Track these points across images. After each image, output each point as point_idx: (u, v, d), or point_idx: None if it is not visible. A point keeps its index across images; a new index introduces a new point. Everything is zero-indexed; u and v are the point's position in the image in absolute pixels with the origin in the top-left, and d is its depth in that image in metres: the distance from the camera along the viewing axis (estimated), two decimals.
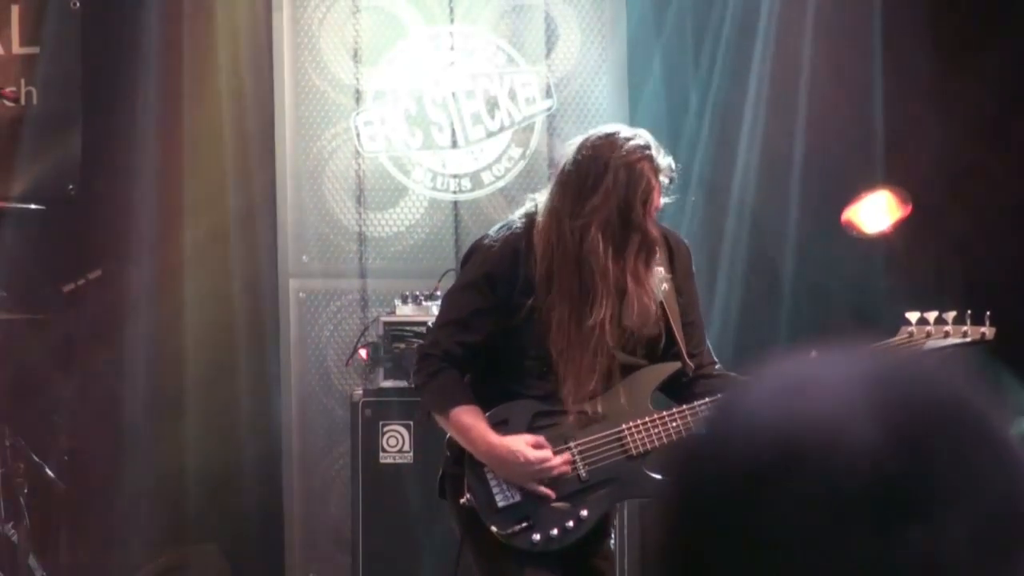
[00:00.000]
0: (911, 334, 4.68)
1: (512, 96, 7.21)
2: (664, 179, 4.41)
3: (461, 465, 4.57)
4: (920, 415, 1.24)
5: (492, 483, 4.51)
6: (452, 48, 7.23)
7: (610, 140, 4.42)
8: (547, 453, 4.49)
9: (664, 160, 4.42)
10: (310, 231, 7.25)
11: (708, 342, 4.74)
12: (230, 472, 7.28)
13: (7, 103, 6.90)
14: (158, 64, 7.34)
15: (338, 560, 6.87)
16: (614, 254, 4.39)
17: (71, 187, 7.35)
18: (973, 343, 4.72)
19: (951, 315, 4.75)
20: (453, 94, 7.21)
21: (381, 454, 6.46)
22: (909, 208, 6.59)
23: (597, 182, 4.37)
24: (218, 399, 7.33)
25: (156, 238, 7.34)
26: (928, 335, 4.70)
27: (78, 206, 7.34)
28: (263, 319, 7.33)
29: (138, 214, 7.34)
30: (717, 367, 4.69)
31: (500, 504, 4.50)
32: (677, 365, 4.59)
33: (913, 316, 4.69)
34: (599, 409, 4.51)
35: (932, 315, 4.74)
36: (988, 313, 4.83)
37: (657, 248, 4.47)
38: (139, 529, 7.24)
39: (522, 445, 4.47)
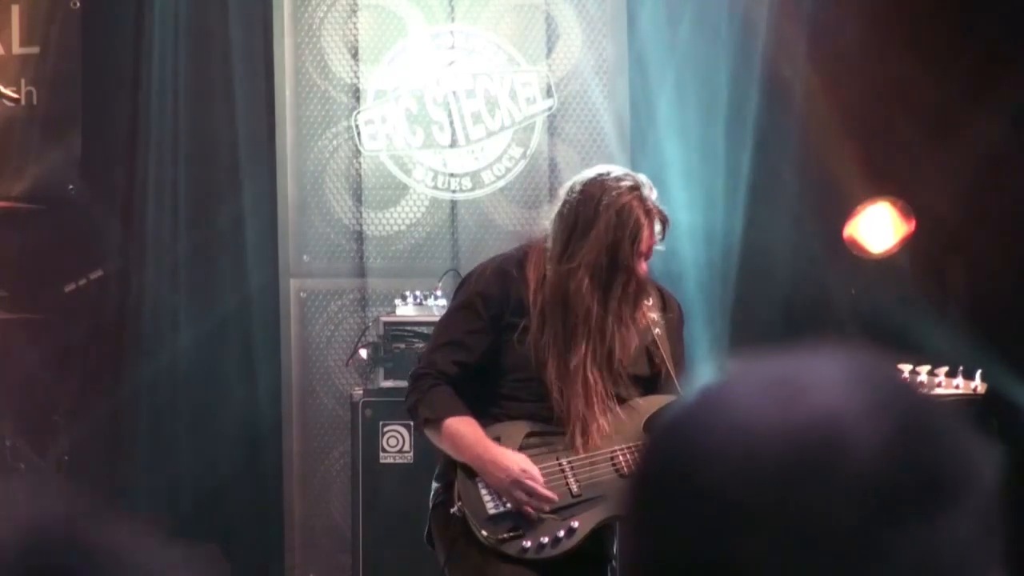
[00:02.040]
0: None
1: (513, 95, 7.21)
2: (656, 221, 4.43)
3: (445, 506, 4.56)
4: (916, 415, 1.24)
5: (483, 491, 4.51)
6: (453, 47, 7.23)
7: (600, 181, 4.43)
8: (536, 473, 4.49)
9: (655, 200, 4.45)
10: (310, 230, 7.24)
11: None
12: (230, 472, 7.26)
13: (7, 103, 6.88)
14: (158, 64, 7.33)
15: (338, 560, 6.87)
16: (600, 296, 4.42)
17: (71, 187, 7.34)
18: (964, 397, 4.74)
19: (943, 369, 4.76)
20: (454, 93, 7.21)
21: (381, 454, 6.45)
22: (913, 223, 6.57)
23: (587, 226, 4.39)
24: (218, 398, 7.32)
25: (156, 237, 7.34)
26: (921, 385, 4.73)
27: (78, 206, 7.33)
28: (263, 318, 7.31)
29: (138, 213, 7.34)
30: None
31: (491, 511, 4.50)
32: (671, 398, 4.56)
33: (905, 368, 4.66)
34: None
35: (924, 368, 4.74)
36: (980, 371, 4.83)
37: (645, 291, 4.50)
38: (140, 528, 7.17)
39: (513, 460, 4.48)
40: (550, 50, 7.23)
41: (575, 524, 4.50)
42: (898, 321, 6.46)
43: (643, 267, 4.47)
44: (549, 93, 7.23)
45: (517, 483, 4.45)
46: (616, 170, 4.53)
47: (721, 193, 7.13)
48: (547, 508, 4.47)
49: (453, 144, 7.22)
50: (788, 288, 6.91)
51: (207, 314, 7.35)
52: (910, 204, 6.69)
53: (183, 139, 7.36)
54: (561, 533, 4.50)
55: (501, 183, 7.27)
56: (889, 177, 6.86)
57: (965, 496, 1.22)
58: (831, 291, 6.93)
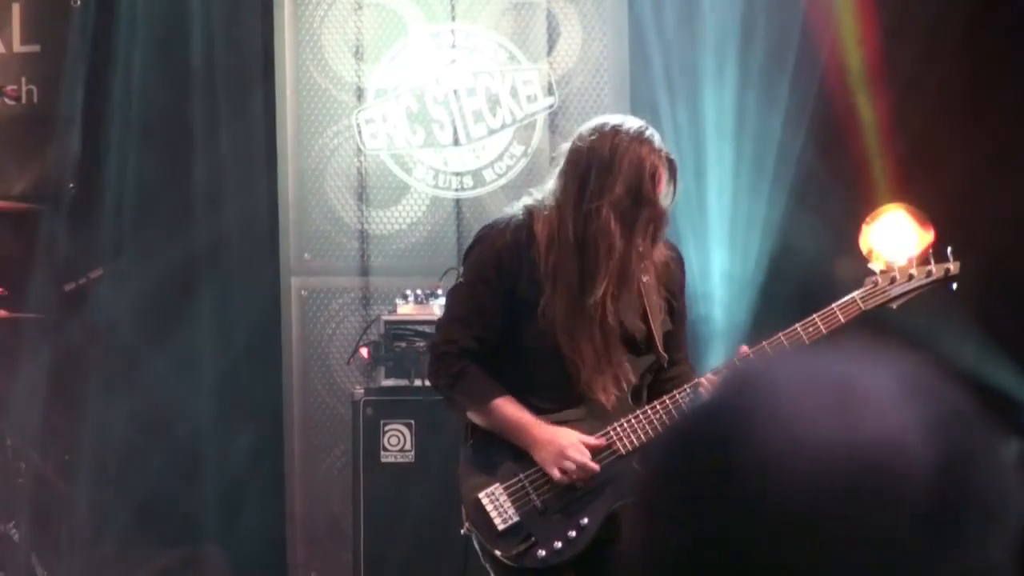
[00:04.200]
0: (875, 283, 4.65)
1: (514, 93, 7.18)
2: (665, 160, 4.44)
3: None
4: (962, 432, 1.23)
5: (488, 507, 4.50)
6: (454, 46, 7.20)
7: (610, 128, 4.43)
8: (586, 456, 4.49)
9: (659, 142, 4.47)
10: (312, 229, 7.23)
11: (686, 350, 4.75)
12: (231, 471, 7.26)
13: (8, 101, 6.87)
14: (159, 62, 7.34)
15: (340, 559, 6.86)
16: (623, 231, 4.39)
17: (71, 186, 7.32)
18: (938, 281, 4.71)
19: (913, 258, 4.74)
20: (455, 91, 7.18)
21: (382, 453, 6.44)
22: (933, 233, 6.47)
23: (604, 168, 4.38)
24: (218, 397, 7.31)
25: (157, 237, 7.32)
26: (893, 281, 4.67)
27: (78, 205, 7.32)
28: (264, 317, 7.30)
29: (139, 213, 7.34)
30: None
31: (500, 527, 4.49)
32: (652, 359, 4.57)
33: (876, 266, 4.67)
34: (586, 412, 4.51)
35: (895, 262, 4.71)
36: (950, 248, 4.78)
37: (666, 225, 4.49)
38: (141, 528, 7.22)
39: (570, 439, 4.47)
40: (551, 48, 7.19)
41: (584, 520, 4.50)
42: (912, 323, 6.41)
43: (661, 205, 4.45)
44: (550, 91, 7.19)
45: (563, 455, 4.45)
46: (615, 118, 4.53)
47: (730, 188, 7.11)
48: (584, 482, 4.47)
49: (454, 143, 7.20)
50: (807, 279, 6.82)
51: (208, 313, 7.35)
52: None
53: (183, 137, 7.36)
54: (573, 534, 4.49)
55: (502, 181, 7.23)
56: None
57: (1005, 519, 1.22)
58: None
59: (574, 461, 4.44)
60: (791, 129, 7.02)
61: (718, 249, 7.00)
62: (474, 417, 4.53)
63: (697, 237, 6.97)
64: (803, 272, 6.70)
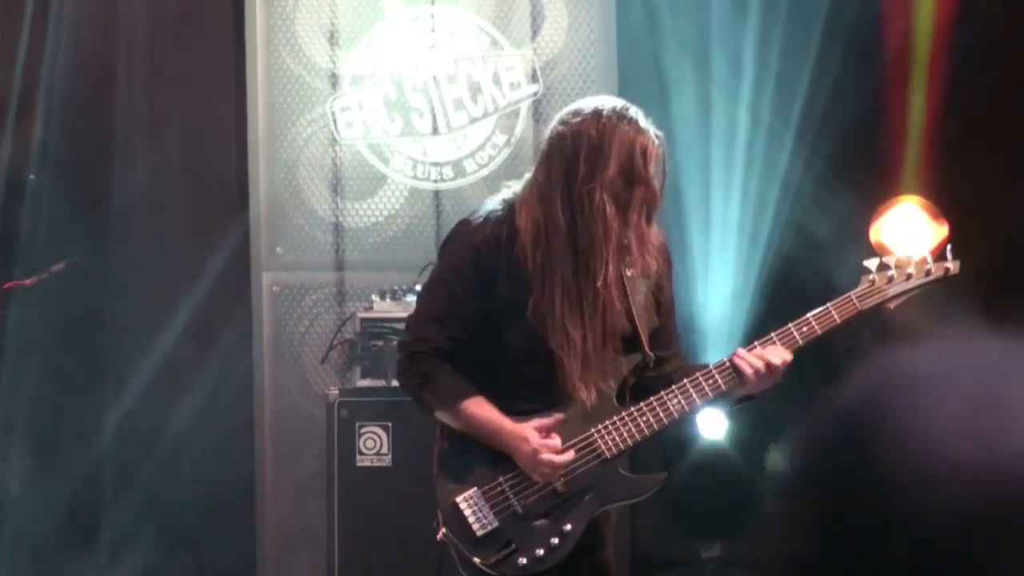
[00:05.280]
0: (872, 282, 4.59)
1: (496, 80, 7.13)
2: (653, 137, 4.41)
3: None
4: None
5: (466, 512, 4.47)
6: (433, 30, 7.15)
7: (593, 109, 4.40)
8: (556, 443, 4.45)
9: (644, 118, 4.44)
10: (284, 222, 7.18)
11: (679, 344, 4.74)
12: (200, 475, 7.23)
13: None
14: (124, 48, 7.29)
15: (313, 567, 6.81)
16: (618, 213, 4.35)
17: (31, 176, 7.27)
18: (938, 280, 4.65)
19: (911, 256, 4.69)
20: (434, 78, 7.13)
21: (358, 457, 6.42)
22: (947, 228, 6.40)
23: (593, 150, 4.33)
24: (187, 398, 7.27)
25: (121, 229, 7.30)
26: (890, 280, 4.61)
27: (41, 196, 7.28)
28: (235, 314, 7.26)
29: (104, 204, 7.29)
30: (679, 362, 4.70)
31: (479, 533, 4.45)
32: (638, 357, 4.52)
33: (872, 263, 4.60)
34: (569, 414, 4.46)
35: (892, 258, 4.64)
36: (949, 247, 4.75)
37: (658, 203, 4.45)
38: (108, 534, 7.23)
39: (531, 432, 4.43)
40: (535, 33, 7.14)
41: (568, 527, 4.46)
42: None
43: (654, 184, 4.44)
44: (534, 78, 7.15)
45: (535, 452, 4.42)
46: (595, 100, 4.49)
47: (740, 184, 7.11)
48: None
49: (434, 132, 7.15)
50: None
51: (175, 309, 7.31)
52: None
53: (150, 126, 7.33)
54: (555, 540, 4.45)
55: (484, 172, 7.17)
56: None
57: None
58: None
59: (546, 463, 4.42)
60: (806, 121, 7.06)
61: (718, 254, 7.03)
62: (445, 419, 4.49)
63: (698, 242, 7.04)
64: (810, 270, 6.66)
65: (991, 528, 1.13)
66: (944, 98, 6.94)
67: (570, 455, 4.42)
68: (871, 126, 7.01)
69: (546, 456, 4.39)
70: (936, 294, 4.72)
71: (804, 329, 4.47)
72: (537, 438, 4.40)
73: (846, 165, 7.00)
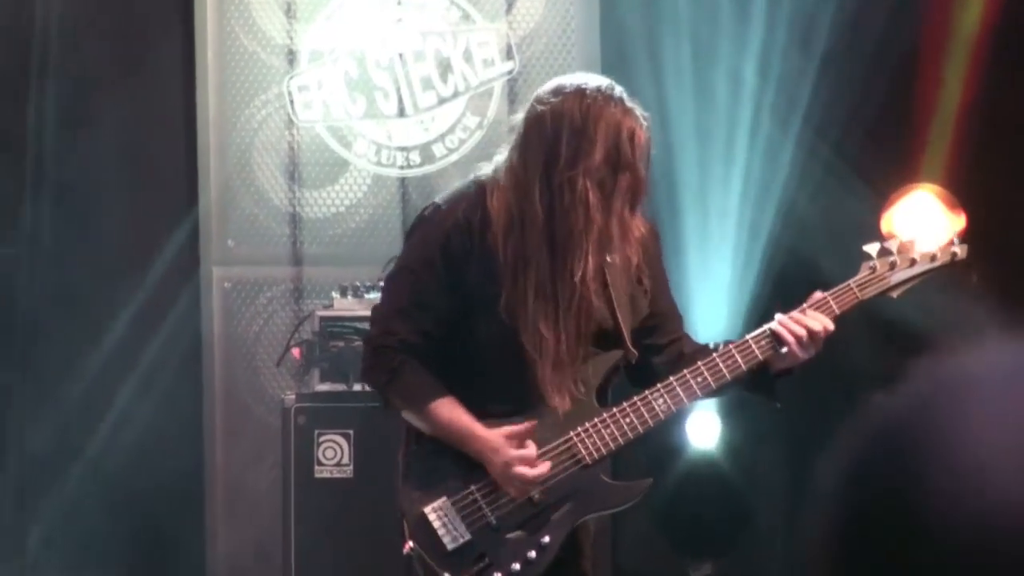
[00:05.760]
0: (873, 269, 4.52)
1: (468, 57, 7.05)
2: (640, 119, 4.34)
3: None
4: None
5: (436, 524, 4.37)
6: (399, 3, 7.07)
7: (575, 88, 4.32)
8: (530, 453, 4.35)
9: (630, 98, 4.38)
10: (236, 212, 7.08)
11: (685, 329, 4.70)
12: (144, 487, 7.06)
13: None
14: (61, 26, 7.12)
15: None
16: (602, 202, 4.27)
17: None
18: (945, 267, 4.60)
19: (914, 240, 4.63)
20: (400, 55, 7.04)
21: (316, 467, 6.35)
22: (964, 218, 6.29)
23: (576, 133, 4.26)
24: (131, 404, 7.13)
25: (59, 221, 7.16)
26: (893, 266, 4.54)
27: None
28: (182, 312, 7.14)
29: (40, 193, 7.16)
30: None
31: (449, 547, 4.37)
32: (619, 354, 4.43)
33: (872, 248, 4.53)
34: (545, 417, 4.38)
35: (893, 243, 4.57)
36: (955, 232, 4.72)
37: (645, 193, 4.39)
38: (40, 550, 7.11)
39: (502, 442, 4.34)
40: (510, 5, 7.07)
41: (545, 539, 4.38)
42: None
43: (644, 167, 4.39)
44: (509, 54, 7.05)
45: (508, 468, 4.33)
46: (577, 77, 4.41)
47: (742, 171, 7.04)
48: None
49: (400, 113, 7.07)
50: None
51: (118, 307, 7.14)
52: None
53: (90, 108, 7.14)
54: (532, 554, 4.37)
55: (454, 157, 7.07)
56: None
57: None
58: None
59: (518, 478, 4.34)
60: (820, 108, 6.99)
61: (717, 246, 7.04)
62: (412, 420, 4.42)
63: (693, 231, 7.03)
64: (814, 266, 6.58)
65: None
66: (981, 88, 6.91)
67: (545, 467, 4.33)
68: (887, 111, 6.96)
69: (519, 470, 4.30)
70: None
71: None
72: (509, 449, 4.31)
73: (857, 152, 6.96)
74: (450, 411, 4.33)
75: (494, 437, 4.30)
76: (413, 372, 4.34)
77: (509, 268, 4.28)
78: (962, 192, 6.52)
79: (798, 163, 6.98)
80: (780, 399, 4.42)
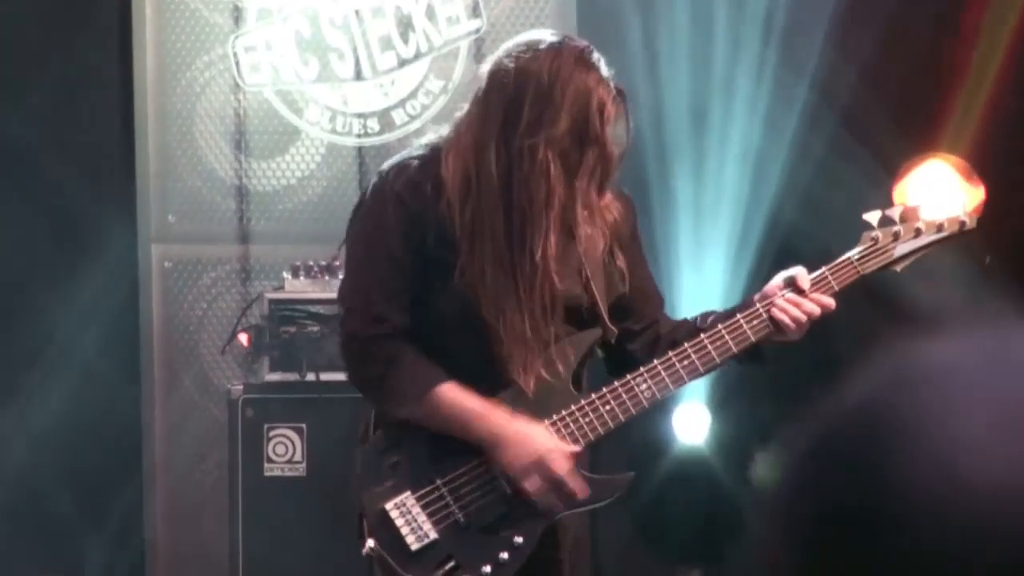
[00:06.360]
0: (875, 239, 4.41)
1: (430, 15, 6.93)
2: (613, 89, 4.22)
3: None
4: None
5: (399, 523, 4.26)
6: None
7: (547, 46, 4.17)
8: (575, 448, 4.27)
9: (606, 66, 4.26)
10: (177, 184, 6.97)
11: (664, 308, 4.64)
12: (76, 487, 6.95)
13: None
14: None
15: None
16: (564, 176, 4.15)
17: None
18: (952, 237, 4.50)
19: (919, 207, 4.56)
20: (357, 12, 6.91)
21: (266, 464, 6.32)
22: (983, 191, 6.13)
23: (542, 96, 4.13)
24: (62, 396, 6.96)
25: None
26: (896, 237, 4.43)
27: None
28: (118, 293, 6.99)
29: None
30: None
31: (413, 546, 4.25)
32: (598, 332, 4.33)
33: (873, 216, 4.42)
34: (515, 403, 4.27)
35: (896, 210, 4.46)
36: (963, 202, 4.65)
37: (614, 170, 4.27)
38: None
39: (547, 442, 4.22)
40: None
41: (518, 539, 4.27)
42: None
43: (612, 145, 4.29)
44: (476, 12, 6.95)
45: (544, 465, 4.21)
46: (552, 35, 4.27)
47: (740, 142, 6.94)
48: (562, 508, 4.29)
49: (356, 76, 6.96)
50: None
51: (48, 289, 7.00)
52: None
53: (14, 69, 6.99)
54: (505, 555, 4.26)
55: (416, 124, 6.90)
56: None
57: None
58: None
59: (557, 478, 4.19)
60: (833, 79, 6.85)
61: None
62: (414, 410, 4.23)
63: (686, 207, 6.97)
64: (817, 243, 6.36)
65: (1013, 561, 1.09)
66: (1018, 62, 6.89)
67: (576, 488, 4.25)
68: (908, 76, 6.89)
69: (561, 465, 4.18)
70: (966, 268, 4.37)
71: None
72: (556, 440, 4.21)
73: (867, 121, 6.84)
74: (462, 394, 4.20)
75: (521, 423, 4.20)
76: (410, 358, 4.21)
77: (465, 234, 4.17)
78: (985, 170, 6.40)
79: (801, 133, 6.90)
80: (766, 360, 4.34)
